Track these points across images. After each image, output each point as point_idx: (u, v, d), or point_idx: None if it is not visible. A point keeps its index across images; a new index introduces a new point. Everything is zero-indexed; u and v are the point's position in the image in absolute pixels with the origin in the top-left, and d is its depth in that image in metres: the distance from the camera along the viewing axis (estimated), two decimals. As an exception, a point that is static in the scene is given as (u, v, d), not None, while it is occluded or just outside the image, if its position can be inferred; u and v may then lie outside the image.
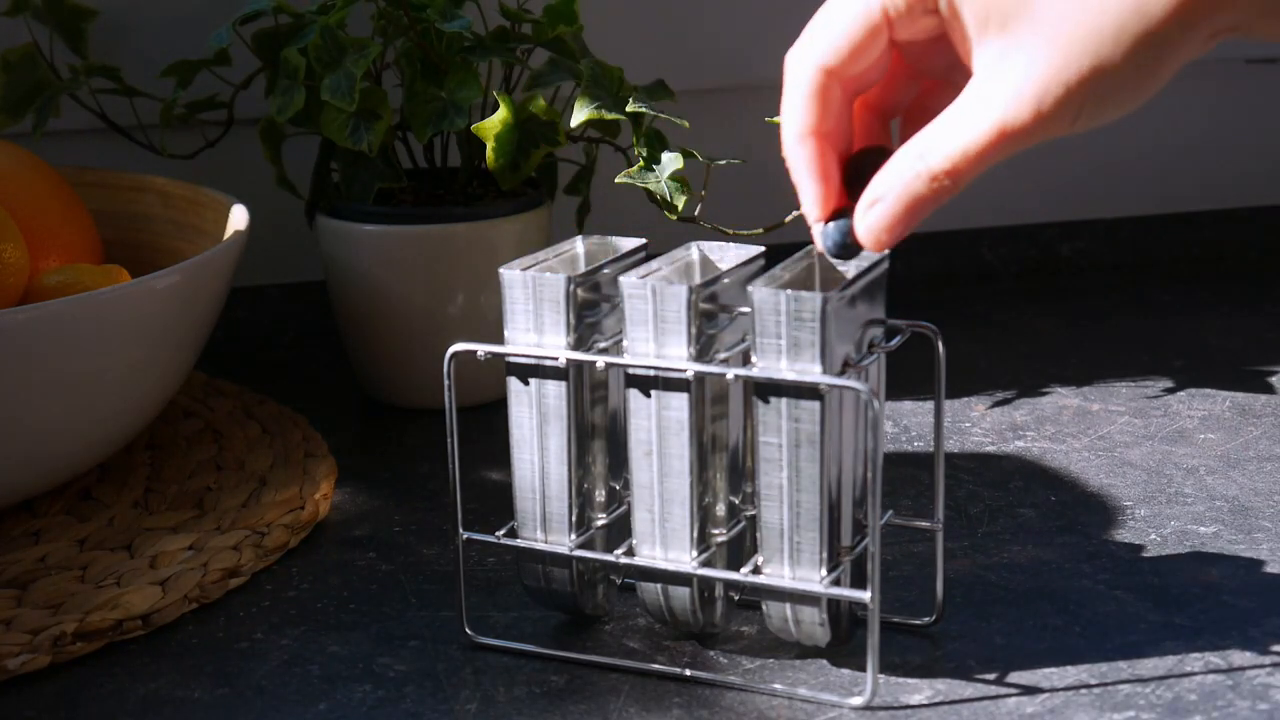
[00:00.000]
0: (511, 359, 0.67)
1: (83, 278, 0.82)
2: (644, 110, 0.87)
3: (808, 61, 0.60)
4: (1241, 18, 0.56)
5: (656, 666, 0.67)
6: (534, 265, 0.68)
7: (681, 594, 0.67)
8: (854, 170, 0.62)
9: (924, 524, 0.71)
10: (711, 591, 0.68)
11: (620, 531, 0.70)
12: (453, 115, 0.89)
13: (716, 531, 0.68)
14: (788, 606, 0.66)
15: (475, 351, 0.67)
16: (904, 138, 0.63)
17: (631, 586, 0.72)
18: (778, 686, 0.66)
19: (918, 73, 0.63)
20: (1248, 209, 1.23)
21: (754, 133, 0.96)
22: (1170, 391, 0.96)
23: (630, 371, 0.66)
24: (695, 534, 0.66)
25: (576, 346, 0.67)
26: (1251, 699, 0.64)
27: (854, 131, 0.62)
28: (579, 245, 0.71)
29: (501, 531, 0.70)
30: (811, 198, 0.61)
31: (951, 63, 0.61)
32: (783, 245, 0.75)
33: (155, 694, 0.67)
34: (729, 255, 0.69)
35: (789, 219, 0.91)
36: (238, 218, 0.86)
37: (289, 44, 0.90)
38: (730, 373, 0.64)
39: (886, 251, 0.67)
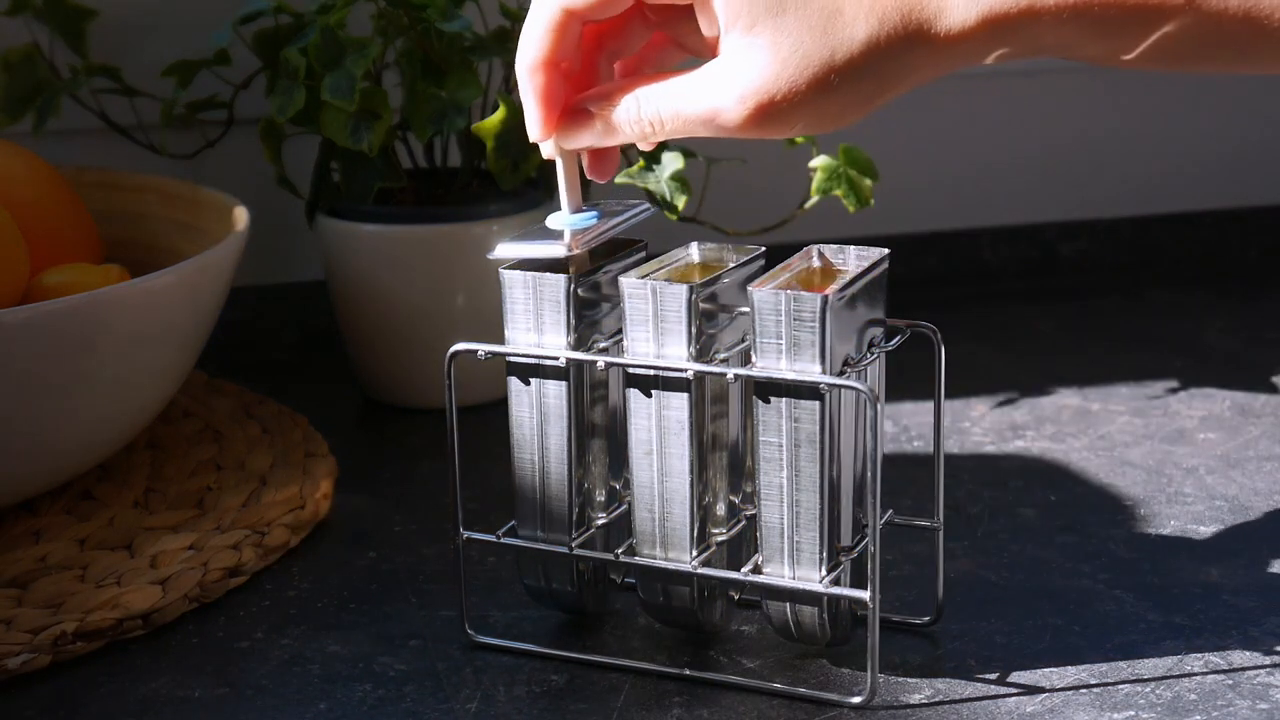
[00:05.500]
0: (511, 359, 0.67)
1: (83, 278, 0.82)
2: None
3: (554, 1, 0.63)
4: (1068, 37, 0.58)
5: (656, 666, 0.67)
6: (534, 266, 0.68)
7: (681, 594, 0.67)
8: None
9: (924, 524, 0.71)
10: (711, 591, 0.68)
11: (620, 531, 0.70)
12: (453, 115, 0.89)
13: (716, 531, 0.68)
14: (788, 606, 0.66)
15: (475, 351, 0.67)
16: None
17: (632, 586, 0.72)
18: (778, 686, 0.66)
19: (652, 25, 0.66)
20: (1248, 209, 1.23)
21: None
22: (1170, 391, 0.96)
23: (630, 371, 0.66)
24: (695, 534, 0.66)
25: (576, 346, 0.67)
26: (1251, 699, 0.64)
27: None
28: (579, 245, 0.71)
29: (501, 531, 0.70)
30: (536, 120, 0.64)
31: (689, 29, 0.64)
32: (783, 245, 0.75)
33: (155, 694, 0.67)
34: (729, 255, 0.69)
35: (789, 219, 0.91)
36: (238, 218, 0.86)
37: (289, 44, 0.90)
38: (730, 373, 0.64)
39: (886, 251, 0.67)
